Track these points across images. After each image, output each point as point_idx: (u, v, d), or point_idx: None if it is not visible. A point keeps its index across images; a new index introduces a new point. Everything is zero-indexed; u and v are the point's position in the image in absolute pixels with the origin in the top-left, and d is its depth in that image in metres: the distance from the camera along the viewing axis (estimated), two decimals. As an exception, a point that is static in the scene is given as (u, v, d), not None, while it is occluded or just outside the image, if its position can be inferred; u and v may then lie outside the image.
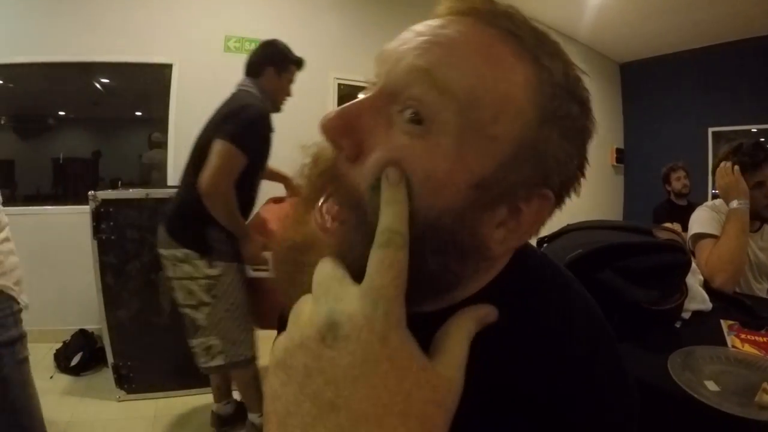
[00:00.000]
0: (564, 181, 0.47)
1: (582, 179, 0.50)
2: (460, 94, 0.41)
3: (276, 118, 4.68)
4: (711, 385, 0.97)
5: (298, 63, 2.88)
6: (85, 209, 3.71)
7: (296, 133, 3.68)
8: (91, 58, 4.25)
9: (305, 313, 0.37)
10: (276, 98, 2.82)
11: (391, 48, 0.46)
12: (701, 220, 2.21)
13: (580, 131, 0.47)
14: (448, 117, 0.40)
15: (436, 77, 0.41)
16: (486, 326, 0.43)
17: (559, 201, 0.48)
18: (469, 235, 0.43)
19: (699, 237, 2.16)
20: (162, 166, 4.70)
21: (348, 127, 0.43)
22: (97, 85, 4.72)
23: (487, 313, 0.43)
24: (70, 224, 4.09)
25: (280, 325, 0.64)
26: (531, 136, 0.43)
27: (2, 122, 4.55)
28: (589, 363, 0.49)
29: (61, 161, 4.81)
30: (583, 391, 0.47)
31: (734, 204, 2.01)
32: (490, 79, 0.42)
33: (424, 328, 0.39)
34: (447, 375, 0.37)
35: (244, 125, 2.41)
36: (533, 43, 0.44)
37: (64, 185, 4.88)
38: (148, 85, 4.70)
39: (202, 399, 3.07)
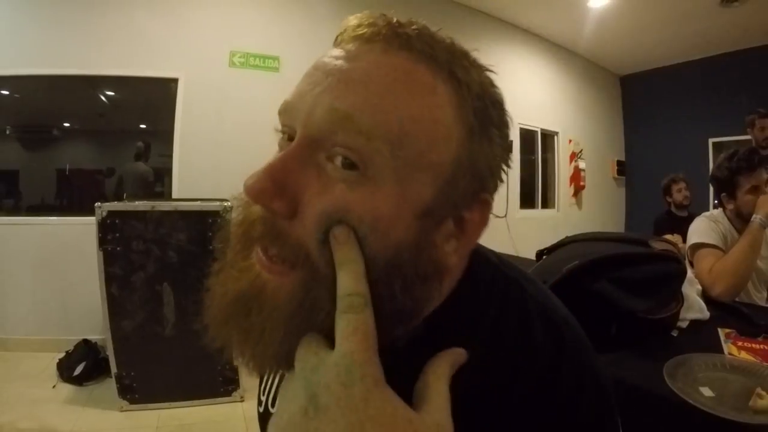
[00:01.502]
0: (497, 180, 0.48)
1: (510, 164, 0.50)
2: (389, 134, 0.40)
3: (275, 134, 4.75)
4: (706, 391, 0.99)
5: None
6: (89, 220, 3.74)
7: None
8: (97, 72, 4.31)
9: (290, 391, 0.38)
10: None
11: (303, 92, 0.44)
12: (699, 230, 2.23)
13: (502, 131, 0.47)
14: (383, 159, 0.40)
15: (361, 123, 0.39)
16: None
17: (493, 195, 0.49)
18: (428, 259, 0.43)
19: (697, 247, 2.17)
20: (143, 179, 4.76)
21: (278, 188, 0.40)
22: (103, 98, 4.77)
23: (459, 355, 0.43)
24: (74, 235, 4.12)
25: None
26: (464, 152, 0.43)
27: (7, 132, 4.60)
28: (553, 368, 0.47)
29: (67, 172, 4.84)
30: (550, 396, 0.46)
31: (757, 218, 2.02)
32: (416, 108, 0.41)
33: (399, 361, 0.39)
34: (435, 421, 0.37)
35: None
36: (447, 58, 0.44)
37: (68, 196, 4.92)
38: (153, 98, 4.74)
39: (205, 410, 3.10)
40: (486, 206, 0.47)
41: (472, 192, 0.45)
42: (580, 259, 1.18)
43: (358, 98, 0.40)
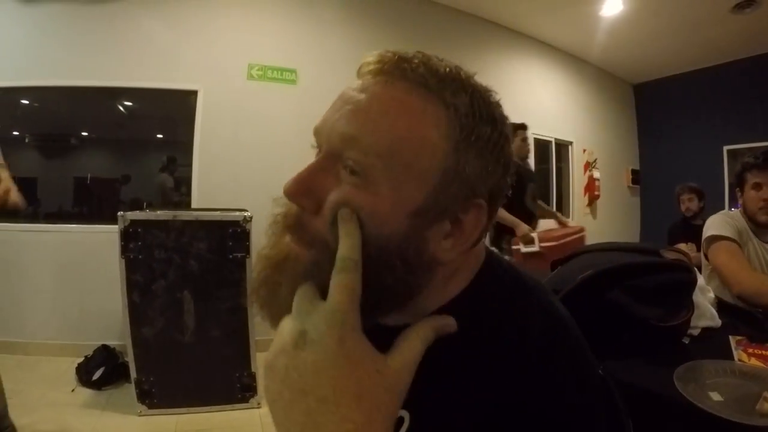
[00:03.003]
0: (492, 188, 0.57)
1: (512, 181, 0.60)
2: (382, 151, 0.51)
3: (299, 144, 4.77)
4: (715, 396, 1.02)
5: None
6: (108, 228, 3.80)
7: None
8: (117, 84, 4.39)
9: (285, 327, 0.48)
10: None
11: (327, 118, 0.56)
12: (715, 224, 2.21)
13: (495, 144, 0.56)
14: (378, 170, 0.51)
15: (362, 143, 0.51)
16: (448, 335, 0.52)
17: (493, 204, 0.58)
18: (415, 251, 0.53)
19: (713, 239, 2.16)
20: (166, 189, 4.84)
21: (305, 190, 0.53)
22: (121, 108, 4.85)
23: (446, 323, 0.53)
24: (93, 242, 4.20)
25: None
26: (449, 163, 0.53)
27: (27, 141, 4.70)
28: (543, 367, 0.53)
29: (88, 181, 4.92)
30: (539, 393, 0.52)
31: None
32: (404, 129, 0.52)
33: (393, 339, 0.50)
34: (395, 367, 0.47)
35: None
36: (437, 86, 0.54)
37: (89, 204, 5.00)
38: (172, 109, 4.81)
39: (222, 416, 3.13)
40: (480, 209, 0.56)
41: (464, 197, 0.54)
42: (594, 269, 1.21)
43: (361, 124, 0.52)
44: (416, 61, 0.55)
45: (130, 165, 5.24)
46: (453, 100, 0.54)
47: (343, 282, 0.47)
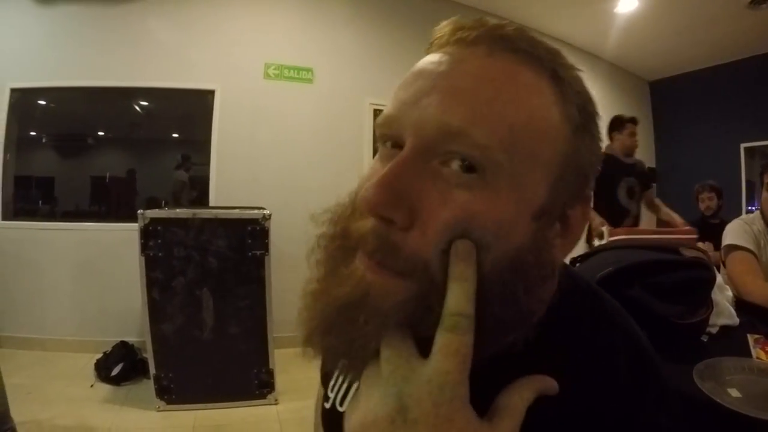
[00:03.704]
0: (595, 174, 0.48)
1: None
2: (503, 143, 0.40)
3: (315, 142, 4.81)
4: (734, 392, 1.03)
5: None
6: (126, 226, 3.87)
7: (333, 158, 3.88)
8: (134, 84, 4.45)
9: (377, 392, 0.39)
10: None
11: (407, 102, 0.44)
12: (733, 232, 2.24)
13: (598, 125, 0.48)
14: (500, 167, 0.40)
15: (475, 136, 0.39)
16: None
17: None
18: (547, 259, 0.44)
19: (730, 249, 2.19)
20: (181, 187, 4.90)
21: (396, 198, 0.40)
22: (138, 108, 4.90)
23: (549, 385, 0.43)
24: (112, 240, 4.26)
25: (322, 378, 0.72)
26: (570, 149, 0.44)
27: (44, 141, 4.76)
28: (633, 408, 0.47)
29: (107, 180, 4.97)
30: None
31: None
32: (524, 112, 0.41)
33: (481, 380, 0.39)
34: None
35: None
36: (549, 58, 0.45)
37: (106, 202, 5.06)
38: (188, 108, 4.85)
39: (240, 411, 3.17)
40: (588, 202, 0.48)
41: (578, 188, 0.46)
42: (614, 266, 1.22)
43: (467, 110, 0.40)
44: (512, 27, 0.45)
45: (147, 164, 5.27)
46: (567, 75, 0.45)
47: (453, 345, 0.37)
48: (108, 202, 5.08)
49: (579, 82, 0.47)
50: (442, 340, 0.38)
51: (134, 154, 5.25)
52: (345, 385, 0.63)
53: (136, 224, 3.05)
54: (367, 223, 0.42)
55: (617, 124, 4.25)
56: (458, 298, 0.38)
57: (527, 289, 0.42)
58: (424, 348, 0.39)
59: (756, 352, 1.30)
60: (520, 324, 0.42)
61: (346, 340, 0.42)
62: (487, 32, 0.44)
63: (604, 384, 0.47)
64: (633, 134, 4.23)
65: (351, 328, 0.41)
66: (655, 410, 0.47)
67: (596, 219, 3.76)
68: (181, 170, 5.00)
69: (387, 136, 0.46)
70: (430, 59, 0.45)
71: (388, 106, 0.46)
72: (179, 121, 5.10)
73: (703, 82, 7.37)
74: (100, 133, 4.98)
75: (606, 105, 7.59)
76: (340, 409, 0.62)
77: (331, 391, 0.66)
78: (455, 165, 0.40)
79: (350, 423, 0.40)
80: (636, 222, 4.25)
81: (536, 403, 0.42)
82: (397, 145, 0.44)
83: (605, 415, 0.45)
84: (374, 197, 0.40)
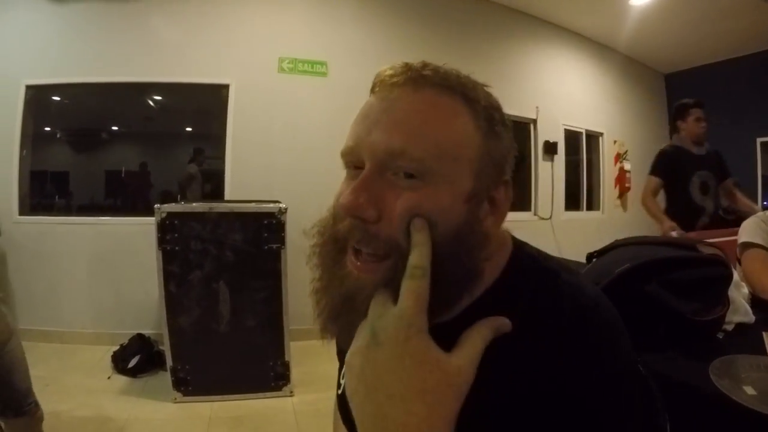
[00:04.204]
0: (510, 165, 0.64)
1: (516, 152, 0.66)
2: (432, 153, 0.56)
3: (330, 136, 4.87)
4: (749, 390, 1.03)
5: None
6: (142, 220, 3.94)
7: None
8: (149, 79, 4.49)
9: (361, 330, 0.55)
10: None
11: (360, 136, 0.59)
12: (749, 230, 2.22)
13: (505, 126, 0.63)
14: (432, 171, 0.56)
15: (412, 153, 0.55)
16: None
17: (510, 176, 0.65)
18: (474, 233, 0.59)
19: (745, 246, 2.17)
20: (192, 179, 4.94)
21: (366, 201, 0.56)
22: (151, 102, 4.97)
23: (502, 323, 0.57)
24: (128, 234, 4.32)
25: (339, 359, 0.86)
26: (484, 149, 0.60)
27: (58, 136, 4.83)
28: (575, 345, 0.57)
29: (122, 174, 5.04)
30: (572, 371, 0.55)
31: None
32: (445, 128, 0.58)
33: (453, 330, 0.55)
34: (458, 364, 0.51)
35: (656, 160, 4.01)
36: (459, 85, 0.60)
37: (121, 196, 5.15)
38: (203, 102, 4.89)
39: (256, 403, 3.21)
40: (507, 186, 0.64)
41: (496, 176, 0.62)
42: (631, 262, 1.22)
43: (404, 135, 0.56)
44: (430, 68, 0.61)
45: (162, 158, 5.33)
46: (471, 95, 0.61)
47: (411, 288, 0.52)
48: (123, 196, 5.16)
49: (485, 97, 0.63)
50: (404, 285, 0.52)
51: (149, 149, 5.32)
52: None
53: (152, 218, 3.08)
54: (347, 224, 0.58)
55: (680, 111, 4.02)
56: (416, 256, 0.53)
57: (466, 251, 0.58)
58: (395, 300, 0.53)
59: None
60: (466, 278, 0.59)
61: (349, 323, 0.58)
62: (411, 75, 0.60)
63: (546, 331, 0.58)
64: (699, 119, 3.96)
65: (352, 313, 0.57)
66: (594, 355, 0.57)
67: (666, 223, 3.63)
68: (192, 164, 5.05)
69: (350, 162, 0.62)
70: (374, 101, 0.62)
71: (348, 140, 0.62)
72: (193, 116, 5.16)
73: (719, 75, 7.30)
74: (116, 128, 5.07)
75: (620, 97, 7.55)
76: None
77: (342, 377, 0.79)
78: (402, 175, 0.56)
79: (346, 358, 0.55)
80: (712, 221, 3.85)
81: (494, 342, 0.55)
82: (358, 167, 0.60)
83: (548, 355, 0.57)
84: (349, 203, 0.56)
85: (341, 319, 0.60)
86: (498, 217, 0.63)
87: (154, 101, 4.97)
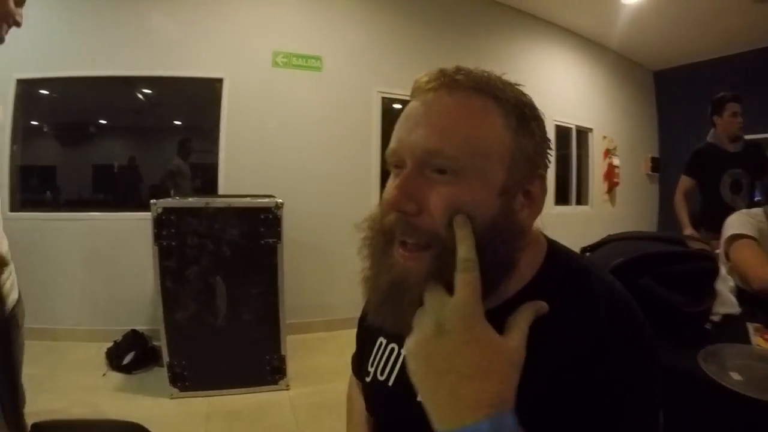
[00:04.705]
0: (544, 160, 0.69)
1: (551, 147, 0.72)
2: (464, 151, 0.61)
3: (324, 131, 4.84)
4: (735, 376, 1.10)
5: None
6: (134, 215, 3.95)
7: (342, 146, 3.89)
8: (140, 73, 4.44)
9: (422, 322, 0.60)
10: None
11: (402, 138, 0.66)
12: (735, 223, 2.23)
13: (537, 123, 0.68)
14: (465, 167, 0.62)
15: (446, 152, 0.61)
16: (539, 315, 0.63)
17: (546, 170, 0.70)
18: (509, 224, 0.65)
19: (734, 238, 2.17)
20: (173, 175, 4.89)
21: (407, 197, 0.62)
22: (141, 96, 4.89)
23: (541, 306, 0.63)
24: (120, 230, 4.29)
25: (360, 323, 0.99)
26: (516, 145, 0.65)
27: (45, 130, 4.76)
28: (609, 334, 0.64)
29: (115, 169, 4.99)
30: (606, 357, 0.62)
31: None
32: (476, 127, 0.63)
33: (500, 316, 0.61)
34: (513, 345, 0.58)
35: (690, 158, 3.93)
36: (487, 87, 0.65)
37: (111, 191, 5.08)
38: (195, 96, 4.84)
39: (253, 397, 3.23)
40: (542, 179, 0.68)
41: (530, 170, 0.66)
42: (624, 257, 1.28)
43: (439, 136, 0.62)
44: (462, 72, 0.66)
45: (153, 153, 5.27)
46: (501, 95, 0.66)
47: (466, 280, 0.58)
48: (113, 191, 5.09)
49: (514, 97, 0.67)
50: (459, 278, 0.58)
51: (139, 143, 5.24)
52: (384, 357, 0.86)
53: (143, 213, 3.09)
54: (392, 217, 0.65)
55: (717, 106, 3.91)
56: (465, 250, 0.59)
57: (504, 241, 0.63)
58: (448, 291, 0.59)
59: (755, 339, 1.38)
60: (504, 266, 0.65)
61: (395, 307, 0.65)
62: (445, 80, 0.66)
63: (584, 316, 0.65)
64: (735, 114, 3.87)
65: (399, 298, 0.64)
66: (626, 344, 0.65)
67: (686, 229, 3.61)
68: (177, 159, 4.95)
69: (394, 162, 0.68)
70: (413, 105, 0.68)
71: (391, 143, 0.68)
72: (186, 110, 5.08)
73: (708, 74, 7.38)
74: (104, 122, 4.98)
75: (610, 93, 7.61)
76: (381, 378, 0.84)
77: (371, 366, 0.88)
78: (437, 172, 0.63)
79: (408, 347, 0.60)
80: None
81: (535, 323, 0.62)
82: (401, 166, 0.66)
83: (586, 343, 0.63)
84: (392, 198, 0.63)
85: (388, 303, 0.66)
86: (533, 209, 0.68)
87: (146, 95, 4.90)
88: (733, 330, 1.46)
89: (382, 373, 0.85)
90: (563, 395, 0.61)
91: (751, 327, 1.47)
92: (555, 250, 0.76)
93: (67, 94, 4.65)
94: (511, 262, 0.66)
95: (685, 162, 4.07)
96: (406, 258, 0.64)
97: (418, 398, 0.60)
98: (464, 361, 0.55)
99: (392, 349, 0.86)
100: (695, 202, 4.07)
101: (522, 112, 0.67)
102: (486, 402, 0.54)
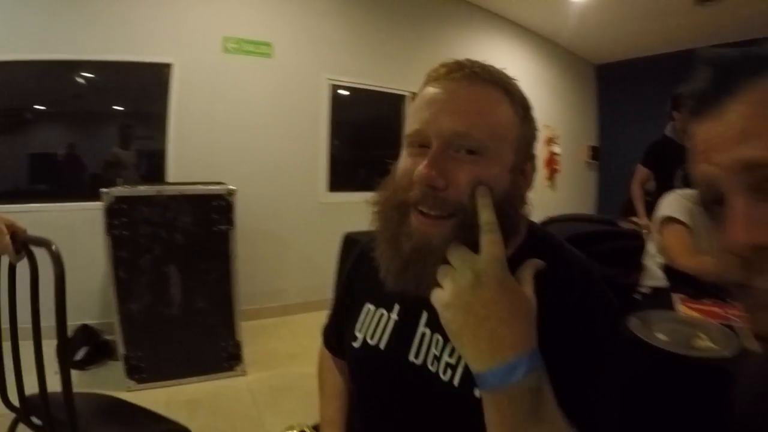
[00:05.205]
0: (535, 142, 0.85)
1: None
2: (488, 134, 0.74)
3: (273, 117, 4.75)
4: (661, 336, 1.27)
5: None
6: (79, 206, 3.84)
7: (291, 132, 3.89)
8: (84, 57, 4.20)
9: (456, 275, 0.68)
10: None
11: (428, 120, 0.76)
12: (670, 205, 2.29)
13: (532, 113, 0.84)
14: (488, 148, 0.75)
15: (474, 135, 0.74)
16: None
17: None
18: (520, 194, 0.81)
19: (666, 221, 2.25)
20: (112, 165, 4.66)
21: (437, 173, 0.72)
22: (80, 80, 4.54)
23: (541, 264, 0.75)
24: (65, 221, 4.03)
25: (338, 295, 1.14)
26: (520, 132, 0.79)
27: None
28: (583, 296, 0.79)
29: (57, 157, 4.63)
30: (580, 315, 0.77)
31: None
32: (496, 115, 0.77)
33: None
34: (530, 293, 0.70)
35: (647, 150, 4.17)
36: (501, 80, 0.79)
37: (52, 181, 4.71)
38: (142, 82, 4.63)
39: (211, 385, 3.26)
40: (534, 159, 0.84)
41: (527, 152, 0.82)
42: (563, 236, 1.41)
43: (466, 121, 0.74)
44: (477, 65, 0.79)
45: (96, 140, 4.95)
46: (510, 88, 0.80)
47: (492, 239, 0.69)
48: (54, 181, 4.71)
49: (519, 88, 0.82)
50: (486, 238, 0.69)
51: (80, 130, 4.84)
52: (375, 322, 0.95)
53: (89, 203, 3.00)
54: (417, 192, 0.75)
55: (676, 101, 3.84)
56: (487, 215, 0.70)
57: (513, 208, 0.78)
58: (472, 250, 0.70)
59: (679, 307, 1.57)
60: (513, 228, 0.79)
61: (419, 269, 0.74)
62: (465, 72, 0.77)
63: (563, 281, 0.79)
64: None
65: (421, 261, 0.74)
66: (597, 305, 0.80)
67: (641, 220, 3.77)
68: (115, 147, 4.72)
69: (417, 141, 0.78)
70: (435, 91, 0.78)
71: (414, 124, 0.78)
72: (131, 95, 4.77)
73: (649, 69, 7.68)
74: (42, 107, 4.57)
75: (555, 86, 7.82)
76: (372, 342, 0.94)
77: (359, 331, 0.97)
78: (464, 152, 0.74)
79: (441, 299, 0.69)
80: None
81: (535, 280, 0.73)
82: (422, 145, 0.77)
83: (565, 298, 0.77)
84: (424, 175, 0.72)
85: (411, 267, 0.75)
86: (527, 183, 0.83)
87: (86, 79, 4.55)
88: (660, 300, 1.64)
89: (372, 337, 0.95)
90: (550, 346, 0.70)
91: (676, 297, 1.66)
92: (534, 225, 0.91)
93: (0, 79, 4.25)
94: (516, 227, 0.81)
95: (643, 152, 4.30)
96: (426, 225, 0.74)
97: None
98: (501, 307, 0.65)
99: (381, 315, 0.95)
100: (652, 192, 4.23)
101: (525, 104, 0.82)
102: (521, 341, 0.65)
